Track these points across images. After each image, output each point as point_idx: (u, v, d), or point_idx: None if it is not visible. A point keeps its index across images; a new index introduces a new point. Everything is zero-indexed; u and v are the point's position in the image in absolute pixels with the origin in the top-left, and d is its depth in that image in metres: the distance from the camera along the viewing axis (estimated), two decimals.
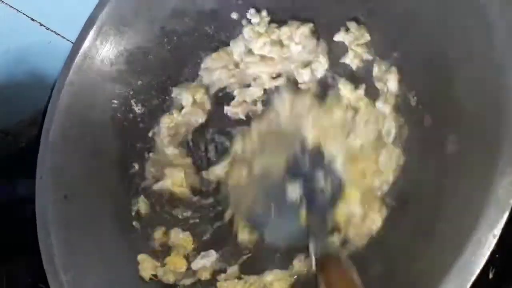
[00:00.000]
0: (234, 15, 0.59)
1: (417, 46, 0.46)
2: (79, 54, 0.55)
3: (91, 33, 0.55)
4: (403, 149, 0.46)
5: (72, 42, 0.61)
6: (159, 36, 0.58)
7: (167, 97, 0.60)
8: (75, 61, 0.55)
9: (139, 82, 0.58)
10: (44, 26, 0.59)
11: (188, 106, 0.59)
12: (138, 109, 0.58)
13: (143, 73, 0.59)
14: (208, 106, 0.60)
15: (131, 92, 0.58)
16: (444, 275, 0.32)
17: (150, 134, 0.59)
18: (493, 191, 0.32)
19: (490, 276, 0.35)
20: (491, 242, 0.30)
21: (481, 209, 0.32)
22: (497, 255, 0.32)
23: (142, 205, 0.56)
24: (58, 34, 0.61)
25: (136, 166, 0.57)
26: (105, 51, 0.56)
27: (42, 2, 0.57)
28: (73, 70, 0.55)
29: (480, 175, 0.34)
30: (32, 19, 0.58)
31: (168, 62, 0.60)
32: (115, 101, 0.57)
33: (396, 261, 0.41)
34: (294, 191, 0.51)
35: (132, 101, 0.58)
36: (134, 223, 0.55)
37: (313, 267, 0.44)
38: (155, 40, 0.58)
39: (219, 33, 0.60)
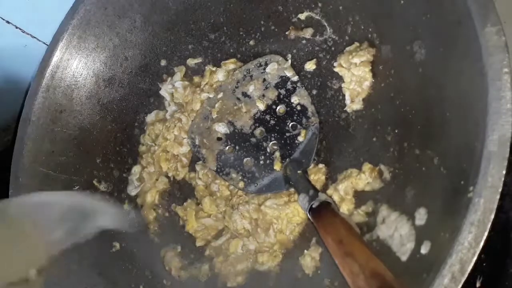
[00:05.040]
0: (163, 62, 0.64)
1: None
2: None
3: None
4: None
5: (48, 45, 0.59)
6: (99, 110, 0.61)
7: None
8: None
9: (98, 160, 0.60)
10: (20, 28, 0.57)
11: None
12: (103, 187, 0.60)
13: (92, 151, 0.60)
14: None
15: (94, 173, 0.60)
16: None
17: None
18: None
19: (478, 284, 0.34)
20: None
21: None
22: (484, 264, 0.32)
23: None
24: (34, 37, 0.59)
25: None
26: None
27: (18, 4, 0.55)
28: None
29: None
30: (7, 22, 0.56)
31: (113, 131, 0.62)
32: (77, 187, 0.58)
33: None
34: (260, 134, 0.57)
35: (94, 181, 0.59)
36: None
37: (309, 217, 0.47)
38: (96, 116, 0.61)
39: (155, 83, 0.64)
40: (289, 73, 0.58)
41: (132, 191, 0.61)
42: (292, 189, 0.54)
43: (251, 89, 0.59)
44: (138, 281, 0.54)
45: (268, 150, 0.57)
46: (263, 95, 0.59)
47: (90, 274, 0.52)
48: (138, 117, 0.64)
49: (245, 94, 0.60)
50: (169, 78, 0.64)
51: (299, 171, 0.53)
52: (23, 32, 0.58)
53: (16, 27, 0.57)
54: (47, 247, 0.42)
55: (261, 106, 0.58)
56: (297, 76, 0.58)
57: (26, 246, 0.41)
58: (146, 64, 0.64)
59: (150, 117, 0.64)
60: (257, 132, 0.58)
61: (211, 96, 0.61)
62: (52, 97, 0.57)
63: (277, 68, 0.59)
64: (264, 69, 0.60)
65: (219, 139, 0.60)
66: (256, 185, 0.56)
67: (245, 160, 0.58)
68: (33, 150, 0.55)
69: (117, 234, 0.57)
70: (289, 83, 0.58)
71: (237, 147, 0.59)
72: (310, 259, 0.50)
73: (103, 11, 0.59)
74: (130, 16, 0.60)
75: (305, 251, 0.51)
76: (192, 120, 0.62)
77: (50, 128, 0.56)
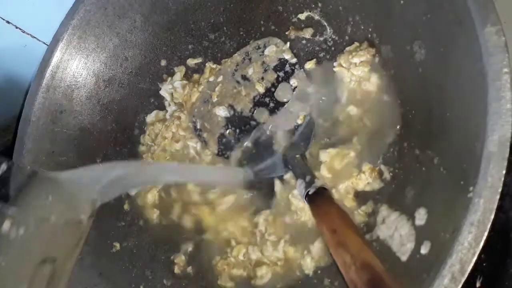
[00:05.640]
0: (163, 62, 0.64)
1: None
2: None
3: None
4: None
5: (48, 45, 0.59)
6: (99, 110, 0.61)
7: None
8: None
9: (98, 160, 0.60)
10: (20, 28, 0.57)
11: None
12: None
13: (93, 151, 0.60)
14: None
15: None
16: None
17: None
18: None
19: (478, 284, 0.34)
20: None
21: None
22: (484, 264, 0.32)
23: None
24: (34, 37, 0.59)
25: None
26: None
27: (18, 4, 0.55)
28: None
29: None
30: (8, 22, 0.56)
31: (113, 132, 0.62)
32: None
33: None
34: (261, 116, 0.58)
35: None
36: None
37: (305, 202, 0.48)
38: (96, 116, 0.61)
39: (155, 83, 0.64)
40: (287, 55, 0.58)
41: (132, 191, 0.61)
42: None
43: (250, 72, 0.60)
44: (138, 281, 0.54)
45: (268, 133, 0.57)
46: (262, 78, 0.59)
47: (90, 274, 0.52)
48: (138, 117, 0.64)
49: (244, 77, 0.60)
50: (169, 78, 0.64)
51: (297, 155, 0.53)
52: (23, 32, 0.58)
53: (16, 27, 0.57)
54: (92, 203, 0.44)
55: (261, 89, 0.59)
56: (296, 59, 0.58)
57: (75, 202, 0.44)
58: (146, 64, 0.64)
59: (150, 117, 0.64)
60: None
61: (211, 80, 0.61)
62: (52, 97, 0.57)
63: (275, 50, 0.59)
64: (263, 51, 0.60)
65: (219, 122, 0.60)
66: (256, 167, 0.56)
67: (245, 143, 0.58)
68: (33, 150, 0.55)
69: (117, 234, 0.57)
70: (287, 65, 0.58)
71: (237, 130, 0.59)
72: (310, 259, 0.50)
73: (103, 11, 0.59)
74: (130, 16, 0.60)
75: (305, 251, 0.51)
76: (193, 105, 0.62)
77: (50, 128, 0.57)
